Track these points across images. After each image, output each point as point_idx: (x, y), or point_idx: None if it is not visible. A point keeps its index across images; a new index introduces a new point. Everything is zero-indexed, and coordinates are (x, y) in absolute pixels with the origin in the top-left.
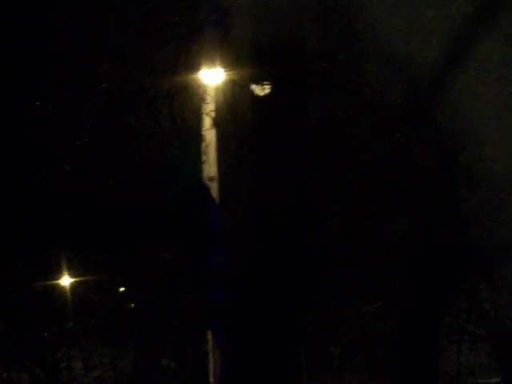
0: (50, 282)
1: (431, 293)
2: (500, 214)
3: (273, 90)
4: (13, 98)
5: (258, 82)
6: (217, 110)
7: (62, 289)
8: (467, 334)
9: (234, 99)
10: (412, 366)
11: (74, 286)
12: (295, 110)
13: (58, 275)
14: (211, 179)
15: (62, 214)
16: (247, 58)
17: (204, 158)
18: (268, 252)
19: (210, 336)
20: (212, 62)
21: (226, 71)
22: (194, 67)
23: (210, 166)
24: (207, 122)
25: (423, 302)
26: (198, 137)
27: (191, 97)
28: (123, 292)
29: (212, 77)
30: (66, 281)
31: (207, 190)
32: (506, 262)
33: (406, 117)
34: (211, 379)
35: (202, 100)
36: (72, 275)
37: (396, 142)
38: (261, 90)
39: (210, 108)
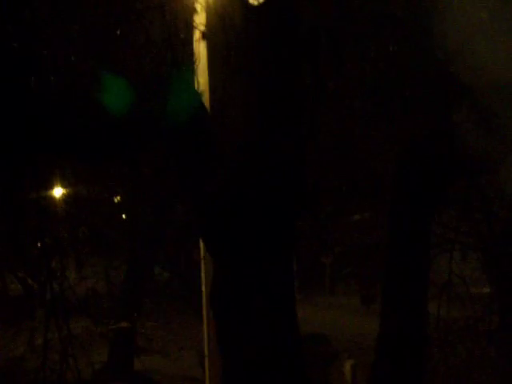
0: (42, 193)
1: (422, 201)
2: (490, 122)
3: None
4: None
5: None
6: (207, 21)
7: (54, 199)
8: (458, 244)
9: (225, 9)
10: (403, 275)
11: (66, 197)
12: (287, 19)
13: (51, 185)
14: (201, 90)
15: (54, 122)
16: None
17: (195, 69)
18: (259, 160)
19: (201, 244)
20: None
21: None
22: None
23: (201, 77)
24: (197, 33)
25: (414, 210)
26: (188, 48)
27: (181, 7)
28: (116, 202)
29: None
30: (58, 191)
31: (198, 100)
32: (497, 170)
33: (400, 27)
34: (203, 288)
35: (193, 10)
36: (65, 185)
37: (390, 53)
38: None
39: (200, 19)
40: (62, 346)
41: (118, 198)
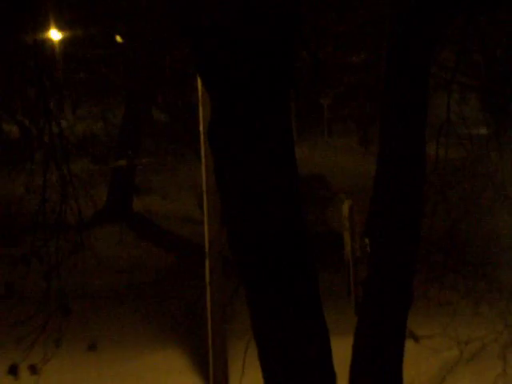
0: (40, 34)
1: (421, 38)
2: None
3: None
4: None
5: None
6: None
7: (52, 41)
8: (456, 84)
9: None
10: (400, 113)
11: (64, 38)
12: None
13: (49, 27)
14: None
15: None
16: None
17: None
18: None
19: (199, 85)
20: None
21: None
22: None
23: None
24: None
25: (413, 46)
26: None
27: None
28: (117, 43)
29: None
30: (55, 34)
31: None
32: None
33: None
34: (201, 128)
35: None
36: (62, 27)
37: None
38: None
39: None
40: (61, 186)
41: (117, 37)
